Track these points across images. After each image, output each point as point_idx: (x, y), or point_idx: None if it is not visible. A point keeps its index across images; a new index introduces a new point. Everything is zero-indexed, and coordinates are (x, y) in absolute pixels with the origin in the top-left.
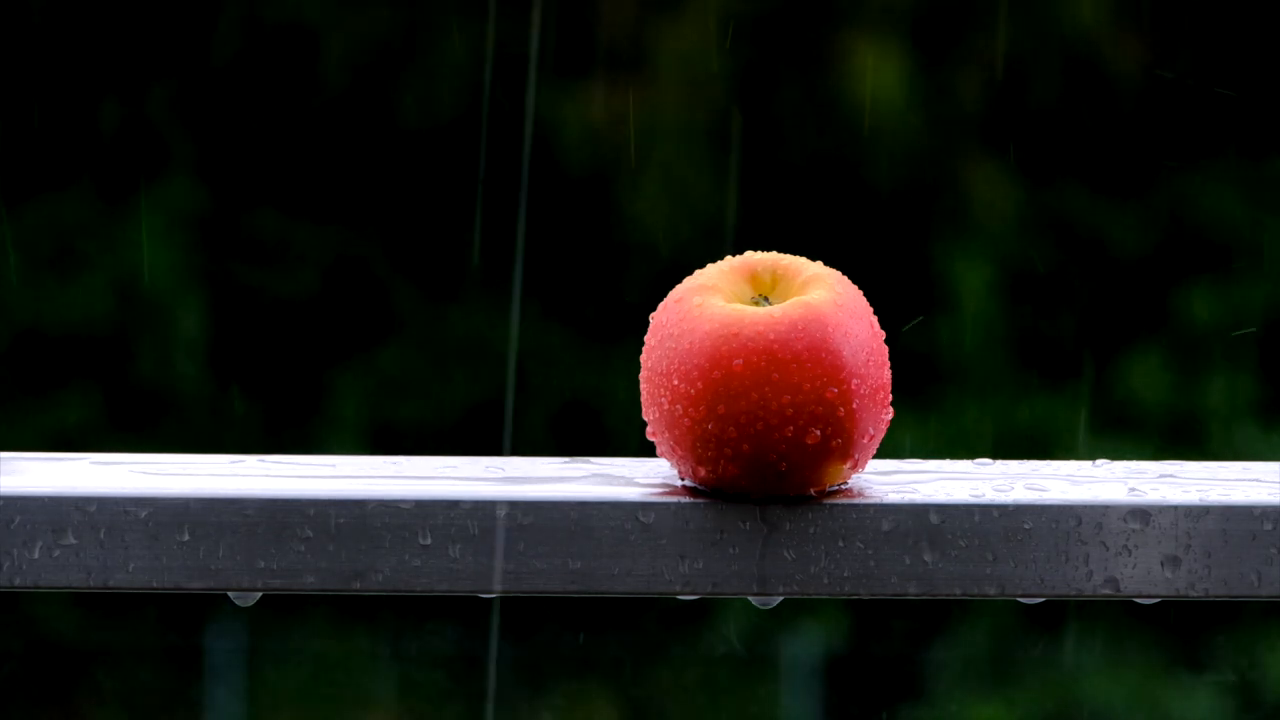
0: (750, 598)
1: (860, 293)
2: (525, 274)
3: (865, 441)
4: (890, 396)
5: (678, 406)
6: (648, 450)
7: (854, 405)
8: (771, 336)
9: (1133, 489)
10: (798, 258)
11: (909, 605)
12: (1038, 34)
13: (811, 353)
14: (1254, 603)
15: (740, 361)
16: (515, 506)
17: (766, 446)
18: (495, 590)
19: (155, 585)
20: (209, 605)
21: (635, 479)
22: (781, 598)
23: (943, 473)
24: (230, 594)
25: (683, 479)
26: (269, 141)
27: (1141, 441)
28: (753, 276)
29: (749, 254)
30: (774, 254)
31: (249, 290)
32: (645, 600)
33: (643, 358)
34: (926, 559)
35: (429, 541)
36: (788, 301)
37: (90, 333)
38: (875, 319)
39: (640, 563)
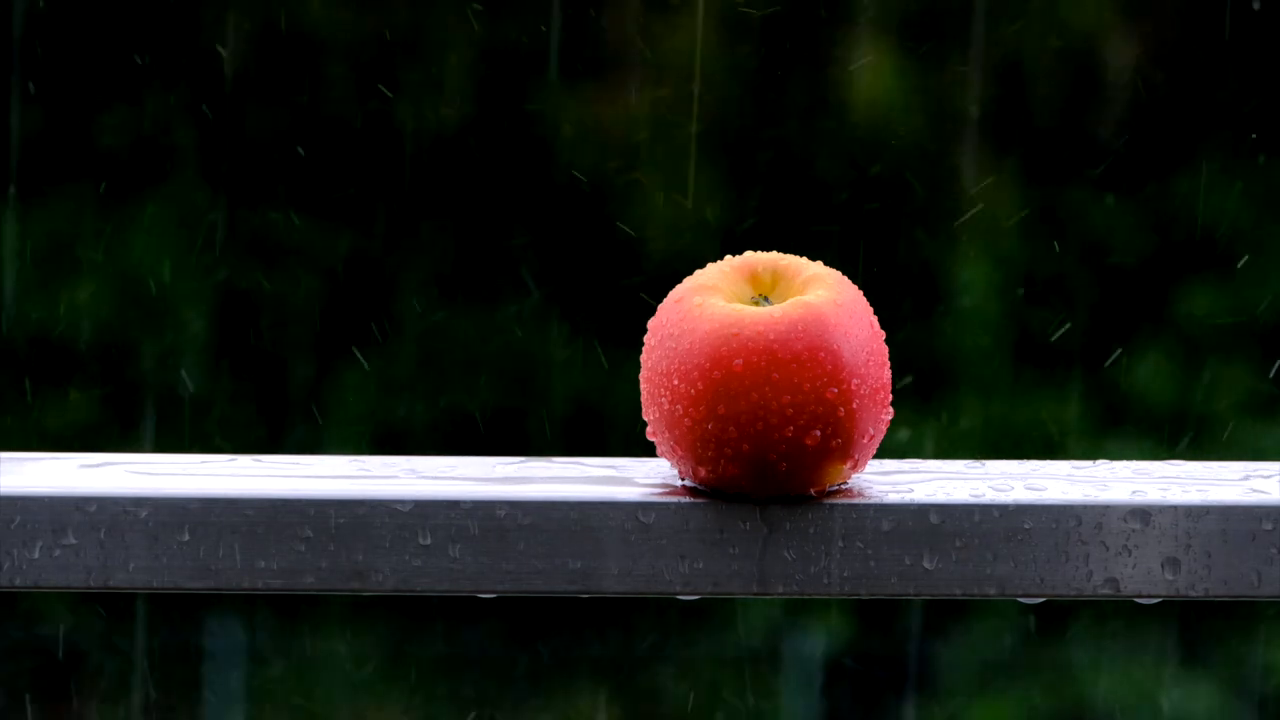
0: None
1: (860, 293)
2: (525, 274)
3: (865, 441)
4: (890, 396)
5: (678, 406)
6: (648, 450)
7: (854, 405)
8: (771, 336)
9: (1133, 489)
10: (798, 258)
11: (910, 605)
12: (1038, 33)
13: (811, 353)
14: (1254, 603)
15: (740, 361)
16: (515, 506)
17: (766, 446)
18: (495, 590)
19: (155, 585)
20: (209, 605)
21: (635, 479)
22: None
23: (943, 473)
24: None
25: (683, 479)
26: (272, 142)
27: (1142, 441)
28: (753, 276)
29: (749, 254)
30: (774, 254)
31: (250, 290)
32: (646, 600)
33: (643, 358)
34: (926, 559)
35: (429, 541)
36: (788, 301)
37: (90, 333)
38: (875, 319)
39: (640, 563)
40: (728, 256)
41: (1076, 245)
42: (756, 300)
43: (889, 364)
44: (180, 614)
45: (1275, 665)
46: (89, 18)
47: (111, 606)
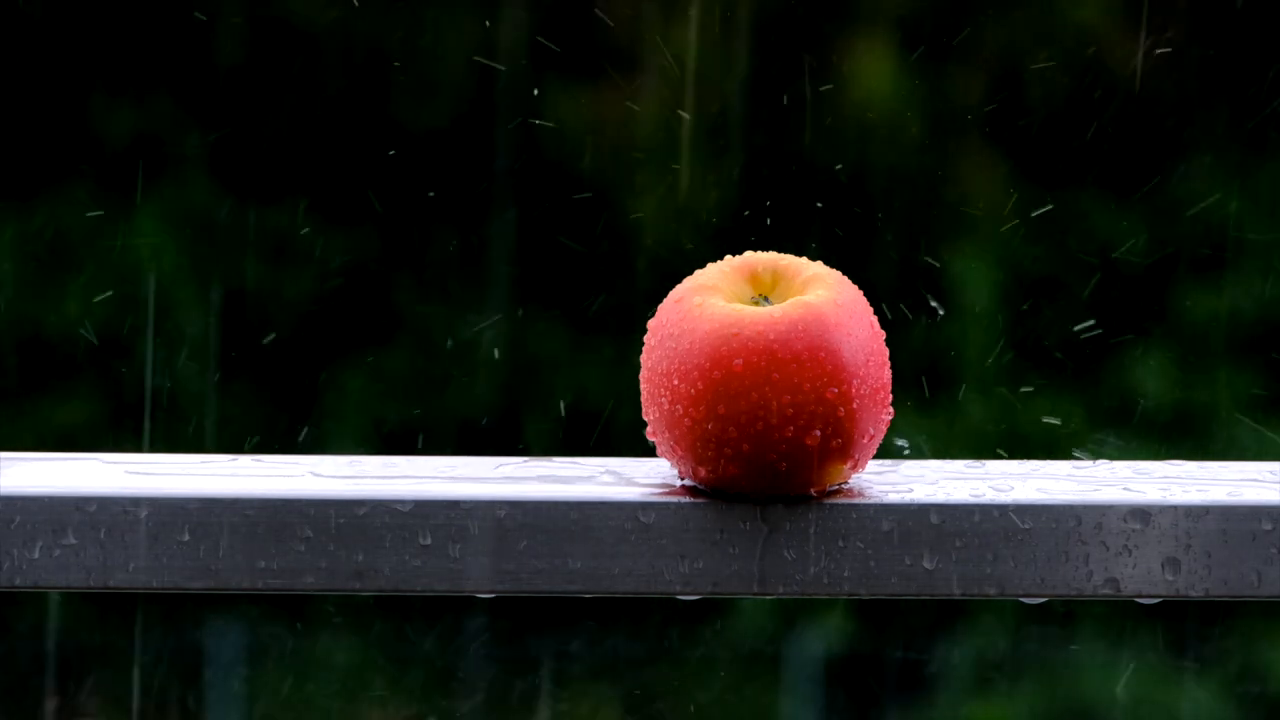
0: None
1: (860, 293)
2: (525, 274)
3: (865, 441)
4: (890, 396)
5: (678, 406)
6: (648, 450)
7: (854, 405)
8: (771, 336)
9: (1133, 489)
10: (798, 258)
11: (910, 605)
12: (1038, 33)
13: (811, 353)
14: (1254, 602)
15: (740, 361)
16: (515, 506)
17: (766, 446)
18: (495, 590)
19: (155, 585)
20: (209, 605)
21: (635, 479)
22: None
23: (943, 473)
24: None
25: (683, 479)
26: (271, 141)
27: (1142, 441)
28: (753, 276)
29: (749, 254)
30: (774, 254)
31: (250, 290)
32: (646, 600)
33: (643, 358)
34: (926, 559)
35: (429, 541)
36: (788, 301)
37: (90, 333)
38: (875, 319)
39: (640, 563)
40: (728, 256)
41: (1076, 245)
42: (756, 300)
43: (889, 364)
44: (180, 614)
45: (1275, 665)
46: (89, 15)
47: (111, 606)
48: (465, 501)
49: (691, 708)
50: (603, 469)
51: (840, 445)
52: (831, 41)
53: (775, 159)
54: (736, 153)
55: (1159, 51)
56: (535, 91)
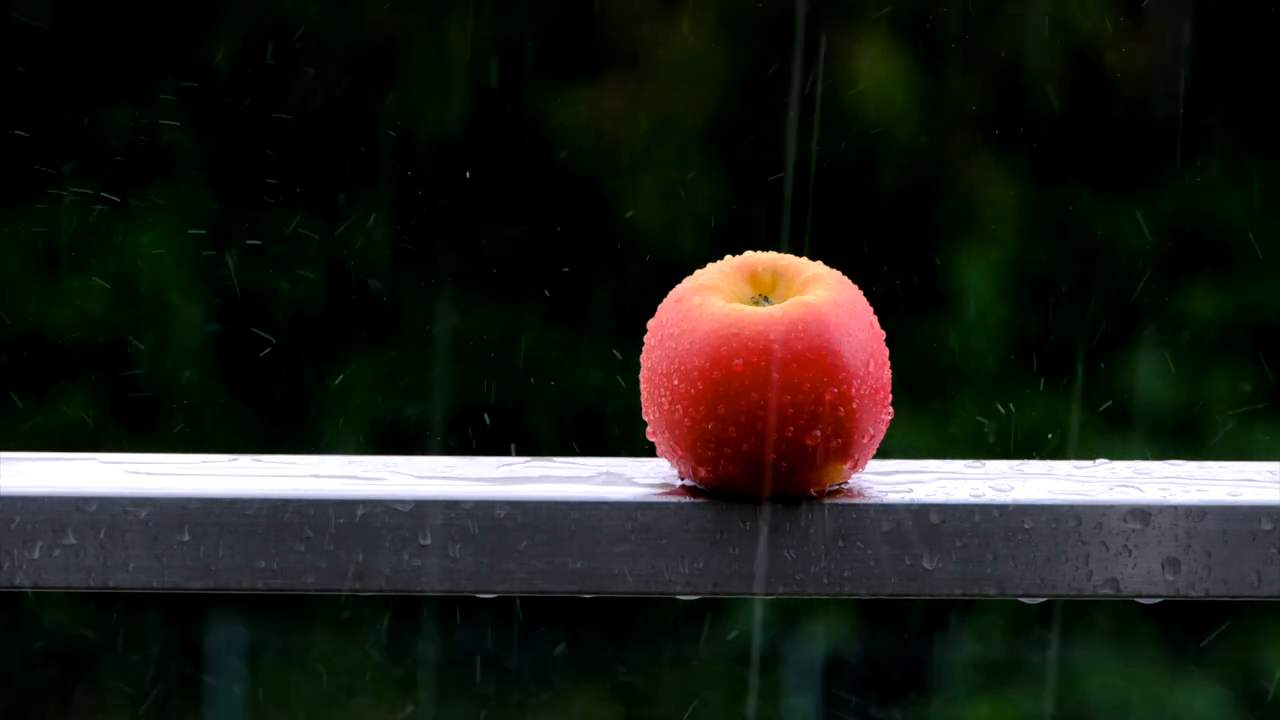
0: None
1: (860, 293)
2: (525, 274)
3: (865, 441)
4: (890, 396)
5: (678, 406)
6: (648, 450)
7: (854, 405)
8: (771, 336)
9: (1133, 489)
10: (798, 258)
11: (910, 605)
12: (1039, 33)
13: (811, 353)
14: (1254, 602)
15: (740, 361)
16: (515, 506)
17: (766, 446)
18: (495, 590)
19: (155, 585)
20: (209, 605)
21: (635, 479)
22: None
23: (943, 473)
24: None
25: (683, 479)
26: (270, 142)
27: (1142, 441)
28: (753, 276)
29: (749, 254)
30: (774, 254)
31: (249, 290)
32: (646, 600)
33: (643, 358)
34: (926, 559)
35: (429, 541)
36: (788, 301)
37: (90, 333)
38: (875, 319)
39: (640, 563)
40: (728, 256)
41: (1077, 245)
42: (756, 300)
43: (889, 364)
44: (180, 614)
45: (1275, 665)
46: (89, 16)
47: (112, 606)
48: (465, 501)
49: (691, 708)
50: (602, 469)
51: (840, 445)
52: (832, 41)
53: (775, 158)
54: (737, 152)
55: (1160, 51)
56: (535, 92)
